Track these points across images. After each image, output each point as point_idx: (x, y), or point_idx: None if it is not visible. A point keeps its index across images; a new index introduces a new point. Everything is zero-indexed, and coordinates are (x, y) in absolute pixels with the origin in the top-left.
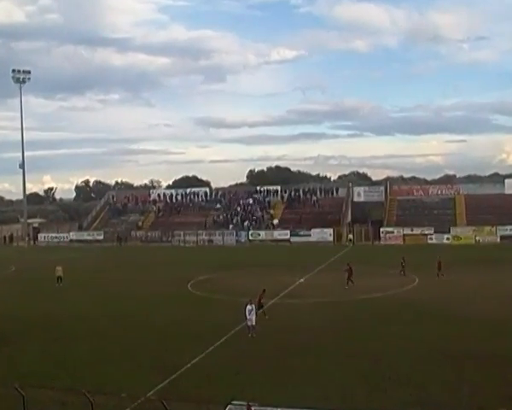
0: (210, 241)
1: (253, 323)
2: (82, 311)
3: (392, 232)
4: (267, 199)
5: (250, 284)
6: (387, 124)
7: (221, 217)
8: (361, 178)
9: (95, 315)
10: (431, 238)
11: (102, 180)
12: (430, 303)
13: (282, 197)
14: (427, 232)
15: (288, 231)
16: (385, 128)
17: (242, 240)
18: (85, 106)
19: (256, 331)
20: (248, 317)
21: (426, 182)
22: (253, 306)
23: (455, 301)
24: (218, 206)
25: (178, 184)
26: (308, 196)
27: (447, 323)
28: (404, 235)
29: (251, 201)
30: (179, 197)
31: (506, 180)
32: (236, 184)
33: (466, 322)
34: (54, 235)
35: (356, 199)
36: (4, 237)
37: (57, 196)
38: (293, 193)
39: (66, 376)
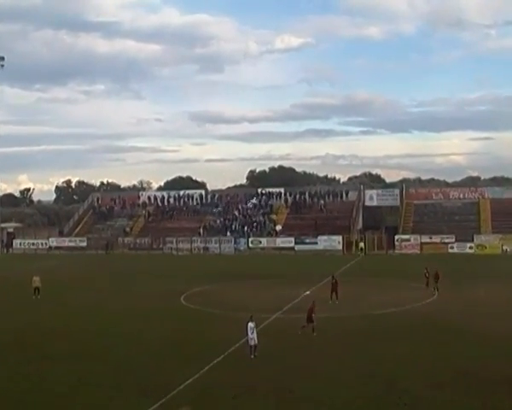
0: (205, 249)
1: (255, 342)
2: (61, 327)
3: (409, 240)
4: (269, 203)
5: (250, 298)
6: (404, 120)
7: (218, 222)
8: (374, 180)
9: (76, 332)
10: (452, 247)
11: (86, 181)
12: (452, 319)
13: (286, 201)
14: (447, 241)
15: (293, 239)
16: (401, 124)
17: (241, 248)
18: (67, 98)
19: (258, 350)
20: (250, 336)
21: (446, 184)
22: (255, 323)
23: (480, 318)
24: (215, 210)
25: (171, 185)
26: (315, 199)
27: (472, 342)
28: (421, 243)
29: (251, 204)
30: (172, 200)
31: None
32: (235, 186)
33: (494, 341)
34: (31, 241)
35: (368, 203)
36: None
37: (35, 198)
38: (297, 196)
39: (42, 403)
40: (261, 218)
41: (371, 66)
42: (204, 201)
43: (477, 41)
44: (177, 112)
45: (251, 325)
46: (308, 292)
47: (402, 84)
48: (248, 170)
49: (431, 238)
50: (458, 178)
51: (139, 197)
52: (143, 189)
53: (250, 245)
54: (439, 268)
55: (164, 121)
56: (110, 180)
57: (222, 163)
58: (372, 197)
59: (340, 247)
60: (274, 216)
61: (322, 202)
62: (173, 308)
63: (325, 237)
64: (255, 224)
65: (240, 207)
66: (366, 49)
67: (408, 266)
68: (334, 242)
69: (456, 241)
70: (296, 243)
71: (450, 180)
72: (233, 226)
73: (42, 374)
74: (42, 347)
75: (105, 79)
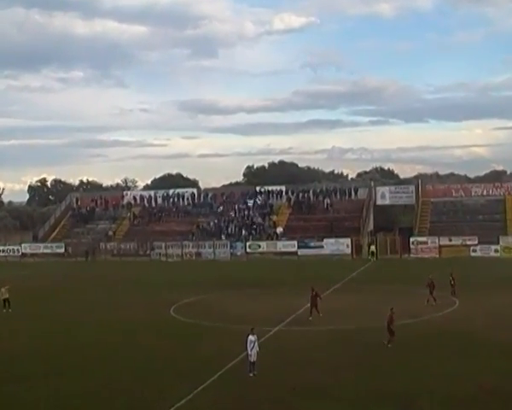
0: (198, 254)
1: (255, 359)
2: (35, 344)
3: (426, 243)
4: (269, 202)
5: (248, 308)
6: (419, 108)
7: (212, 224)
8: (386, 176)
9: (52, 349)
10: (474, 250)
11: (63, 179)
12: (475, 331)
13: (288, 200)
14: (469, 243)
15: (295, 242)
16: (416, 113)
17: (238, 253)
18: (41, 86)
19: (257, 368)
20: (249, 352)
21: (468, 180)
22: (256, 336)
23: (506, 329)
24: (209, 211)
25: (159, 183)
26: (320, 198)
27: (497, 355)
28: (440, 246)
29: (249, 204)
30: (160, 200)
31: None
32: (231, 184)
33: None
34: (1, 248)
35: (379, 202)
36: None
37: (5, 199)
38: (301, 195)
39: None
40: (260, 219)
41: (382, 48)
42: (196, 201)
43: (502, 17)
44: (166, 101)
45: (251, 338)
46: None
47: (417, 67)
48: (245, 166)
49: (451, 240)
50: (481, 173)
51: (123, 197)
52: (128, 188)
53: (248, 250)
54: (456, 273)
55: (151, 112)
56: (90, 178)
57: (216, 158)
58: (384, 195)
59: (349, 251)
60: (274, 217)
61: (328, 200)
62: (162, 321)
63: (332, 241)
64: (253, 226)
65: (236, 207)
66: (377, 29)
67: (425, 271)
68: (341, 245)
69: (480, 243)
70: (299, 246)
71: (471, 175)
72: (229, 229)
73: (13, 397)
74: (13, 367)
75: (84, 64)
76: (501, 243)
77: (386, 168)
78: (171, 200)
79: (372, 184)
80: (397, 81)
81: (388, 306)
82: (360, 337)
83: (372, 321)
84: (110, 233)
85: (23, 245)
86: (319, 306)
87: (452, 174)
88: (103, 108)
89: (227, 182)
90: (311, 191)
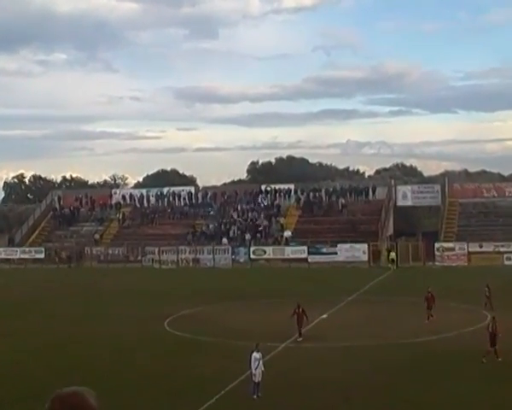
0: (196, 261)
1: (260, 379)
2: (11, 362)
3: (453, 250)
4: (276, 202)
5: (252, 322)
6: (447, 96)
7: (211, 227)
8: (408, 174)
9: (31, 369)
10: (509, 258)
11: (44, 175)
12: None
13: (298, 200)
14: (502, 250)
15: (306, 248)
16: (443, 103)
17: (241, 260)
18: (18, 69)
19: (261, 389)
20: (254, 371)
21: (501, 178)
22: (261, 354)
23: None
24: (208, 212)
25: (152, 181)
26: (333, 198)
27: None
28: (469, 253)
29: (253, 205)
30: (153, 200)
31: None
32: (233, 182)
33: None
34: None
35: (400, 203)
36: None
37: None
38: (312, 194)
39: None
40: (266, 222)
41: (405, 29)
42: (194, 200)
43: None
44: (160, 88)
45: (256, 355)
46: (325, 315)
47: (444, 51)
48: (249, 162)
49: (481, 247)
50: None
51: (112, 196)
52: (117, 185)
53: (252, 256)
54: (491, 283)
55: (143, 100)
56: (74, 175)
57: (216, 153)
58: (406, 195)
59: (366, 258)
60: (282, 219)
61: (342, 201)
62: (155, 336)
63: (347, 246)
64: (258, 229)
65: (239, 208)
66: (399, 8)
67: (452, 281)
68: (357, 251)
69: None
70: (310, 252)
71: (505, 173)
72: (230, 232)
73: None
74: None
75: (67, 45)
76: None
77: (408, 165)
78: (166, 199)
79: (392, 182)
80: (421, 66)
81: (412, 320)
82: (376, 356)
83: (393, 337)
84: (97, 237)
85: None
86: (303, 326)
87: (484, 172)
88: (89, 96)
89: (229, 179)
90: (323, 190)
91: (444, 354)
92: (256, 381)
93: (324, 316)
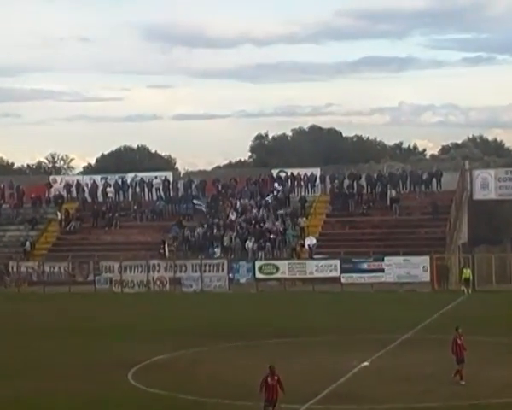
0: (175, 282)
1: None
2: None
3: None
4: (293, 196)
5: (258, 373)
6: None
7: (198, 232)
8: (490, 152)
9: None
10: None
11: None
12: None
13: (324, 191)
14: None
15: (338, 262)
16: None
17: (243, 280)
18: None
19: None
20: None
21: None
22: None
23: None
24: (193, 209)
25: (110, 164)
26: (378, 188)
27: None
28: None
29: (260, 199)
30: (111, 191)
31: None
32: (230, 165)
33: None
34: None
35: (479, 196)
36: None
37: None
38: (347, 183)
39: None
40: (278, 224)
41: None
42: (172, 192)
43: None
44: (120, 24)
45: None
46: (367, 363)
47: None
48: (255, 135)
49: None
50: None
51: (50, 186)
52: (57, 171)
53: (258, 274)
54: None
55: (94, 42)
56: None
57: (205, 122)
58: (487, 184)
59: (428, 277)
60: (302, 220)
61: (392, 193)
62: (115, 394)
63: (399, 260)
64: (267, 235)
65: (239, 203)
66: None
67: None
68: (414, 268)
69: None
70: (344, 270)
71: None
72: (226, 240)
73: None
74: None
75: None
76: None
77: (490, 139)
78: (131, 191)
79: (467, 165)
80: None
81: (501, 372)
82: None
83: (466, 397)
84: (27, 246)
85: None
86: (279, 398)
87: None
88: (15, 35)
89: (224, 162)
90: (363, 177)
91: None
92: None
93: (366, 364)
